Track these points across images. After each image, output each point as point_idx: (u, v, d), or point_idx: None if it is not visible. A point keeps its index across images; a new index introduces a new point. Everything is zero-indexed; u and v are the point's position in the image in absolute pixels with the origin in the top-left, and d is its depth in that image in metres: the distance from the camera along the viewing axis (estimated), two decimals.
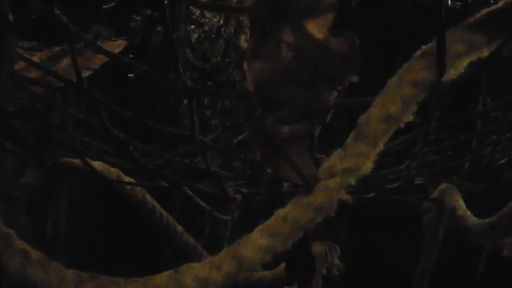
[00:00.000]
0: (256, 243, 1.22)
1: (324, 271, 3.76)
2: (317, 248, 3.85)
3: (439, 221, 2.65)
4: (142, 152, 2.11)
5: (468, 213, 2.15)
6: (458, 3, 6.15)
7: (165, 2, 1.40)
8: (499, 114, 2.42)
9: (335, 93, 1.21)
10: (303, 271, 3.28)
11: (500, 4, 1.18)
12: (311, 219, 1.22)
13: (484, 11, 1.19)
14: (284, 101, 1.20)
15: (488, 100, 4.62)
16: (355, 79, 1.22)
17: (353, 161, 1.22)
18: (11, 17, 1.22)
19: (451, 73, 1.20)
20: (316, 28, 1.14)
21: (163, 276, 1.22)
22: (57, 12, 1.33)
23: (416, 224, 3.07)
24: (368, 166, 1.22)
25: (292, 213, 1.23)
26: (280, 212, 1.24)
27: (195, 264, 1.22)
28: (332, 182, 1.22)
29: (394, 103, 1.19)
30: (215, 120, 5.11)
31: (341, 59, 1.17)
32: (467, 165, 2.28)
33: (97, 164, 2.16)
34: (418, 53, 1.21)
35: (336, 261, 3.86)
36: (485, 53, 1.20)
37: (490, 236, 1.66)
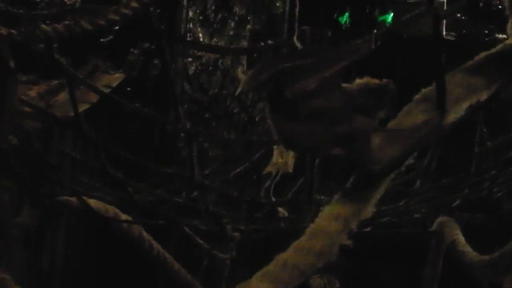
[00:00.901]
0: None
1: None
2: (316, 281, 3.81)
3: (438, 254, 2.64)
4: (139, 189, 2.10)
5: (468, 248, 2.13)
6: (453, 34, 6.20)
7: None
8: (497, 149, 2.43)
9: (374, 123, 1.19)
10: None
11: (498, 48, 1.18)
12: (312, 264, 1.21)
13: (483, 55, 1.20)
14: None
15: (484, 130, 4.63)
16: (383, 114, 1.21)
17: (355, 206, 1.21)
18: (12, 63, 1.22)
19: (451, 117, 1.20)
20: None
21: None
22: (57, 56, 1.34)
23: (415, 256, 3.05)
24: (370, 211, 1.21)
25: (292, 258, 1.21)
26: (281, 257, 1.22)
27: None
28: (333, 226, 1.21)
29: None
30: (212, 152, 5.10)
31: (373, 99, 1.17)
32: (461, 198, 2.29)
33: (93, 202, 2.15)
34: (418, 96, 1.21)
35: None
36: (484, 96, 1.21)
37: (491, 273, 1.64)
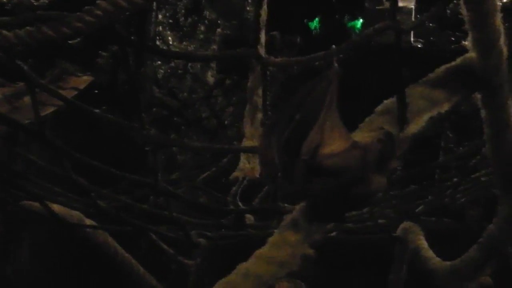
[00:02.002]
0: None
1: None
2: (283, 285, 3.81)
3: (402, 259, 2.67)
4: (106, 196, 2.09)
5: (431, 253, 2.15)
6: (421, 41, 6.29)
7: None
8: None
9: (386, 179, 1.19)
10: None
11: (458, 61, 1.20)
12: (274, 274, 1.21)
13: (443, 67, 1.21)
14: None
15: (450, 135, 4.70)
16: (396, 164, 1.21)
17: None
18: None
19: (412, 128, 1.22)
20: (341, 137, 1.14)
21: None
22: (18, 62, 1.32)
23: (383, 261, 3.07)
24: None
25: (254, 268, 1.21)
26: (242, 267, 1.22)
27: None
28: (295, 237, 1.21)
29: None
30: (181, 156, 5.08)
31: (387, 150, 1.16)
32: (425, 204, 2.32)
33: (57, 208, 2.12)
34: (379, 108, 1.22)
35: None
36: (445, 108, 1.22)
37: (452, 280, 1.66)
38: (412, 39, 6.42)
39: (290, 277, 3.96)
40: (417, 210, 2.48)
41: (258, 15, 1.13)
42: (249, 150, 1.68)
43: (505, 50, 1.13)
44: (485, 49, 1.10)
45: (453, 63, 1.21)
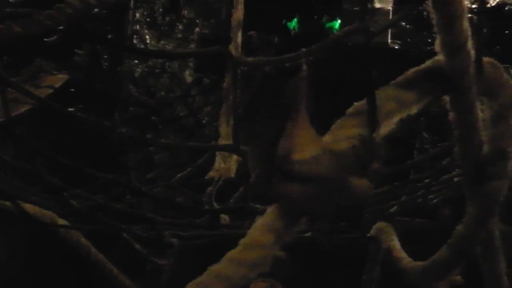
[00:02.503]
0: None
1: None
2: (259, 285, 3.82)
3: (375, 259, 2.69)
4: (77, 194, 2.07)
5: (403, 254, 2.17)
6: (398, 42, 6.33)
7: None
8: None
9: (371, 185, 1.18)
10: None
11: (427, 64, 1.21)
12: (245, 276, 1.21)
13: (413, 70, 1.22)
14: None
15: (426, 136, 4.74)
16: (377, 166, 1.21)
17: (288, 217, 1.21)
18: None
19: (383, 130, 1.22)
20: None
21: None
22: None
23: (358, 261, 3.09)
24: (304, 222, 1.22)
25: (225, 270, 1.21)
26: (214, 268, 1.22)
27: None
28: (266, 238, 1.21)
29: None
30: (158, 155, 5.05)
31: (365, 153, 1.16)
32: (399, 205, 2.34)
33: (30, 207, 2.10)
34: (350, 110, 1.23)
35: None
36: (414, 110, 1.23)
37: (423, 279, 1.67)
38: (389, 40, 6.46)
39: (265, 277, 3.97)
40: (390, 210, 2.50)
41: (229, 14, 1.13)
42: (222, 148, 1.68)
43: (472, 52, 1.14)
44: (453, 51, 1.12)
45: (422, 66, 1.22)
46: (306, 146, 1.14)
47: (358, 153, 1.15)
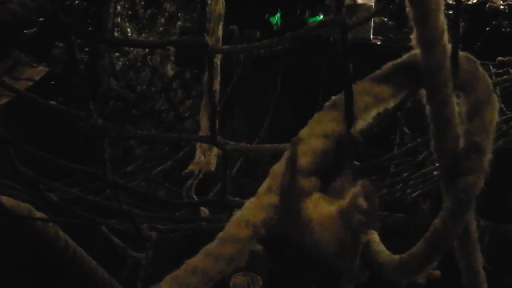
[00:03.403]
0: None
1: None
2: (239, 279, 3.82)
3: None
4: (53, 187, 2.05)
5: (382, 247, 2.17)
6: (380, 38, 6.35)
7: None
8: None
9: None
10: None
11: (403, 58, 1.22)
12: (221, 270, 1.21)
13: (390, 64, 1.23)
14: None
15: (408, 132, 4.77)
16: (377, 226, 1.23)
17: (265, 212, 1.22)
18: None
19: (360, 124, 1.23)
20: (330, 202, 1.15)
21: None
22: None
23: None
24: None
25: (202, 264, 1.21)
26: (190, 262, 1.22)
27: None
28: (243, 233, 1.21)
29: (306, 155, 1.20)
30: (139, 149, 5.03)
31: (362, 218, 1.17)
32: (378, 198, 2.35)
33: (6, 200, 2.08)
34: (327, 104, 1.23)
35: None
36: (391, 104, 1.24)
37: (400, 273, 1.68)
38: (371, 36, 6.48)
39: (246, 272, 3.97)
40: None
41: (204, 3, 1.12)
42: (199, 139, 1.67)
43: (448, 47, 1.15)
44: (428, 46, 1.12)
45: (398, 60, 1.23)
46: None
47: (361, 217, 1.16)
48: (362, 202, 1.14)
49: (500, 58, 3.82)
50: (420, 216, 3.49)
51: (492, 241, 3.92)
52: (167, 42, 2.45)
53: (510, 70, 3.67)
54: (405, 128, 4.38)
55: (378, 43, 6.13)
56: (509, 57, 3.77)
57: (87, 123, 1.27)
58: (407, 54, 1.21)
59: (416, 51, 1.18)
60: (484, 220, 3.79)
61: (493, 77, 3.24)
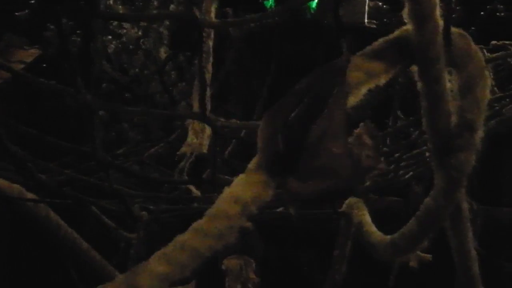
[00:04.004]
0: (153, 271, 1.17)
1: (239, 286, 3.73)
2: (232, 262, 3.82)
3: (347, 234, 2.70)
4: (45, 168, 2.04)
5: (373, 228, 2.18)
6: (375, 22, 6.33)
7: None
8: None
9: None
10: (211, 286, 3.25)
11: (395, 33, 1.20)
12: (211, 247, 1.19)
13: (381, 40, 1.21)
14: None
15: (402, 116, 4.78)
16: (381, 167, 1.19)
17: (255, 189, 1.20)
18: None
19: (351, 100, 1.22)
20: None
21: None
22: None
23: (332, 238, 3.11)
24: (269, 194, 1.21)
25: (191, 241, 1.19)
26: (179, 239, 1.21)
27: None
28: (233, 209, 1.20)
29: None
30: (132, 132, 5.01)
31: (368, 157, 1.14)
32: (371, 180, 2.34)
33: None
34: None
35: (252, 276, 3.85)
36: (382, 81, 1.23)
37: (392, 253, 1.67)
38: (366, 20, 6.46)
39: (239, 255, 3.98)
40: (364, 186, 2.51)
41: None
42: (189, 115, 1.66)
43: (440, 22, 1.13)
44: (420, 21, 1.11)
45: (390, 35, 1.21)
46: (336, 140, 1.11)
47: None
48: (367, 139, 1.11)
49: (494, 42, 3.82)
50: (414, 199, 3.49)
51: (485, 225, 3.94)
52: (157, 16, 2.43)
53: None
54: (399, 113, 4.37)
55: (373, 27, 6.12)
56: (503, 41, 3.76)
57: (76, 99, 1.26)
58: (399, 30, 1.20)
59: (408, 26, 1.17)
60: (477, 204, 3.80)
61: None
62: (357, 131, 1.12)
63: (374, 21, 6.26)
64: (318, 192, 1.12)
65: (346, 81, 1.11)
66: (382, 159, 1.14)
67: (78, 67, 1.35)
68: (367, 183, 1.21)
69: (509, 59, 3.27)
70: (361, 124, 1.12)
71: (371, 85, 1.22)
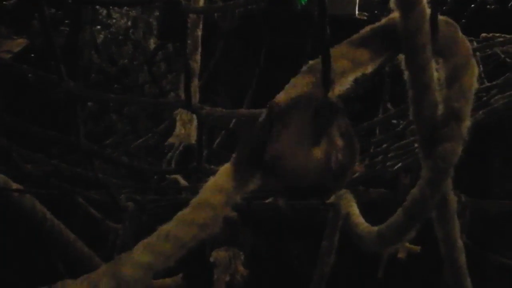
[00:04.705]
0: (137, 261, 1.17)
1: (227, 278, 3.73)
2: (220, 254, 3.81)
3: (334, 226, 2.70)
4: (31, 158, 2.02)
5: (361, 219, 2.18)
6: (365, 14, 6.32)
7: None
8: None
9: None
10: (199, 278, 3.24)
11: (383, 21, 1.19)
12: (195, 236, 1.19)
13: (368, 27, 1.20)
14: None
15: (390, 108, 4.78)
16: (359, 169, 1.19)
17: (239, 178, 1.19)
18: None
19: (337, 89, 1.21)
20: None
21: None
22: None
23: (321, 230, 3.11)
24: (255, 183, 1.21)
25: (175, 230, 1.18)
26: (163, 229, 1.20)
27: (70, 281, 1.15)
28: (217, 199, 1.19)
29: None
30: (122, 124, 4.98)
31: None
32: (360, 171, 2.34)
33: None
34: (304, 68, 1.21)
35: (240, 268, 3.85)
36: (369, 69, 1.22)
37: (379, 244, 1.67)
38: (356, 11, 6.44)
39: (228, 246, 3.97)
40: (352, 177, 2.50)
41: None
42: (174, 104, 1.64)
43: (427, 10, 1.12)
44: (407, 8, 1.10)
45: (377, 24, 1.20)
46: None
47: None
48: (338, 140, 1.10)
49: (484, 34, 3.82)
50: (401, 191, 3.50)
51: (473, 217, 3.95)
52: (140, 1, 2.39)
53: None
54: (388, 105, 4.37)
55: (364, 18, 6.11)
56: (493, 33, 3.76)
57: (59, 86, 1.24)
58: (386, 18, 1.19)
59: (395, 14, 1.16)
60: (465, 196, 3.81)
61: (477, 54, 3.24)
62: (328, 131, 1.11)
63: (365, 13, 6.24)
64: (293, 191, 1.13)
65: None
66: (357, 158, 1.14)
67: (61, 54, 1.33)
68: (348, 180, 1.19)
69: (495, 49, 3.27)
70: (334, 123, 1.11)
71: (358, 73, 1.21)
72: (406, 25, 1.11)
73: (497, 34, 3.55)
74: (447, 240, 1.65)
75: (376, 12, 6.41)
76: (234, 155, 1.22)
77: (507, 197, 5.30)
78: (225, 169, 1.21)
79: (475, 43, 3.60)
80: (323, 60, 1.16)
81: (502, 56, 3.51)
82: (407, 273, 4.90)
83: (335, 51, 1.18)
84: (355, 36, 1.20)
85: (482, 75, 3.12)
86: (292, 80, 1.23)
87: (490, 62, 3.39)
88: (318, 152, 1.09)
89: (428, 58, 1.15)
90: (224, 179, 1.20)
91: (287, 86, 1.23)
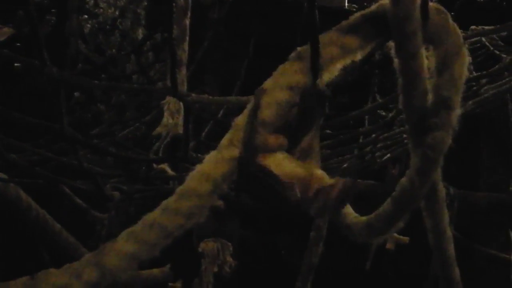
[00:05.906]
0: (121, 250, 1.14)
1: (215, 269, 3.72)
2: (209, 245, 3.80)
3: (322, 216, 2.69)
4: (16, 147, 1.99)
5: (350, 210, 2.17)
6: (355, 6, 6.30)
7: None
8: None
9: None
10: (187, 268, 3.23)
11: (372, 8, 1.17)
12: (180, 225, 1.16)
13: (358, 14, 1.18)
14: None
15: (379, 100, 4.78)
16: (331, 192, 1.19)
17: (226, 166, 1.17)
18: None
19: (326, 77, 1.19)
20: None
21: (18, 284, 1.12)
22: None
23: (310, 221, 3.10)
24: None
25: (160, 219, 1.16)
26: (148, 217, 1.17)
27: (53, 271, 1.13)
28: (203, 187, 1.17)
29: (269, 107, 1.16)
30: (109, 114, 4.94)
31: None
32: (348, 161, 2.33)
33: None
34: (293, 55, 1.19)
35: (228, 259, 3.83)
36: (358, 56, 1.20)
37: (367, 234, 1.66)
38: (346, 3, 6.43)
39: (216, 237, 3.96)
40: (342, 167, 2.49)
41: None
42: (160, 91, 1.61)
43: None
44: None
45: (367, 10, 1.18)
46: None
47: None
48: (335, 194, 1.10)
49: (473, 27, 3.81)
50: (390, 182, 3.49)
51: (461, 209, 3.96)
52: None
53: (482, 39, 3.67)
54: (377, 96, 4.36)
55: (353, 10, 6.10)
56: (482, 26, 3.76)
57: (42, 72, 1.21)
58: (376, 4, 1.17)
59: (386, 0, 1.14)
60: (454, 188, 3.81)
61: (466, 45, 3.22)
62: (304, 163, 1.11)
63: (355, 5, 6.23)
64: (270, 210, 1.13)
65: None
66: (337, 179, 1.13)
67: (46, 43, 1.30)
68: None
69: (484, 39, 3.26)
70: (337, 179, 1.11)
71: (347, 60, 1.19)
72: (396, 11, 1.09)
73: (486, 27, 3.54)
74: (436, 230, 1.64)
75: (365, 4, 6.40)
76: (222, 141, 1.19)
77: (494, 189, 5.32)
78: (212, 156, 1.19)
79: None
80: (311, 46, 1.14)
81: (491, 48, 3.50)
82: (396, 264, 4.92)
83: (324, 37, 1.16)
84: (344, 22, 1.18)
85: (472, 67, 3.11)
86: (280, 67, 1.21)
87: (479, 55, 3.38)
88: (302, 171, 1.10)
89: (419, 45, 1.13)
90: (210, 166, 1.18)
91: (275, 72, 1.21)
